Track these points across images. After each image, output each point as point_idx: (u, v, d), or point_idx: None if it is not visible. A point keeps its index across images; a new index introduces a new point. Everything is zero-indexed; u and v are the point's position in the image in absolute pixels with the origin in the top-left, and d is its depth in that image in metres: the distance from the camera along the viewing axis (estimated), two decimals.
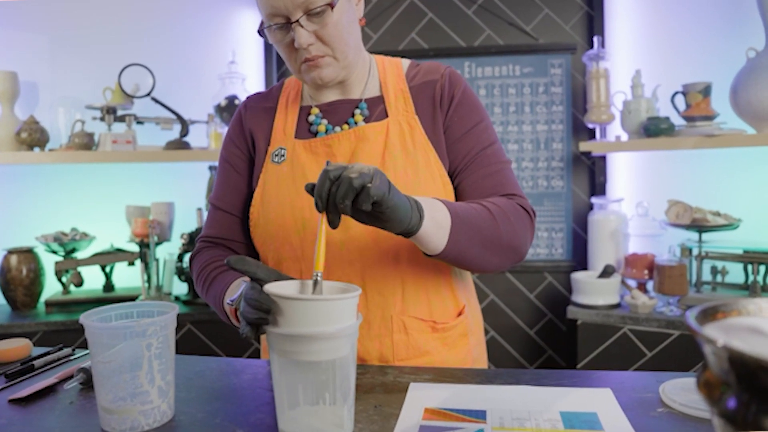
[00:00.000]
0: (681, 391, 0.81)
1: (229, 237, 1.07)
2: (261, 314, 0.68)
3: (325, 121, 1.02)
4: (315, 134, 1.02)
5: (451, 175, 1.01)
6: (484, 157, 0.99)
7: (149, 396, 0.76)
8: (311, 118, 1.03)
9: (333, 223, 0.73)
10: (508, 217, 0.92)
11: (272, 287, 0.71)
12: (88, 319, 0.76)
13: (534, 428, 0.72)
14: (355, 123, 1.01)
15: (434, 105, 1.01)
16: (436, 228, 0.83)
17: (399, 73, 1.05)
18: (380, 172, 0.73)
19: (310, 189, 0.74)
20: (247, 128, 1.07)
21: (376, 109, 1.02)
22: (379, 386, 0.88)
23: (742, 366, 0.39)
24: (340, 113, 1.03)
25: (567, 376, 0.91)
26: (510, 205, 0.94)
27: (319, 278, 0.73)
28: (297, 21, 0.90)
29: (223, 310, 0.95)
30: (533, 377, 0.91)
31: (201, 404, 0.84)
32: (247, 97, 1.12)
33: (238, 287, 0.92)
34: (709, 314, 0.48)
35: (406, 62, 1.08)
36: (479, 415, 0.76)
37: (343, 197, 0.70)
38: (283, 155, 1.01)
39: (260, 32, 0.96)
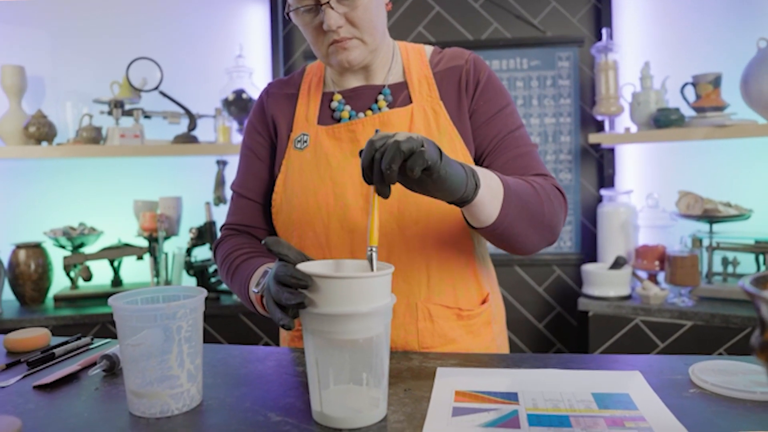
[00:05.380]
0: (712, 372, 0.80)
1: (252, 224, 1.06)
2: (299, 297, 0.67)
3: (348, 107, 1.02)
4: (338, 120, 1.02)
5: (479, 159, 1.00)
6: (513, 140, 0.99)
7: (179, 380, 0.75)
8: (334, 104, 1.03)
9: (383, 193, 0.68)
10: (549, 197, 0.92)
11: (304, 267, 0.70)
12: (116, 302, 0.75)
13: (568, 409, 0.72)
14: (379, 109, 1.00)
15: (459, 90, 1.00)
16: (491, 197, 0.80)
17: (422, 59, 1.04)
18: (430, 140, 0.69)
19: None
20: (269, 114, 1.07)
21: (400, 94, 1.02)
22: (406, 371, 0.87)
23: None
24: (364, 99, 1.02)
25: (593, 360, 0.91)
26: (548, 185, 0.94)
27: (374, 253, 0.70)
28: (327, 3, 0.89)
29: (248, 297, 0.95)
30: (560, 361, 0.90)
31: (228, 389, 0.83)
32: (269, 84, 1.11)
33: (261, 274, 0.91)
34: (761, 282, 0.48)
35: (429, 48, 1.07)
36: (511, 397, 0.76)
37: (390, 162, 0.65)
38: (305, 141, 1.01)
39: (287, 15, 0.95)
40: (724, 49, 2.16)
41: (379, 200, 0.71)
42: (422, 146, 0.66)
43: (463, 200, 0.77)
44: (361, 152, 0.69)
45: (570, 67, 2.41)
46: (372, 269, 0.69)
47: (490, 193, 0.80)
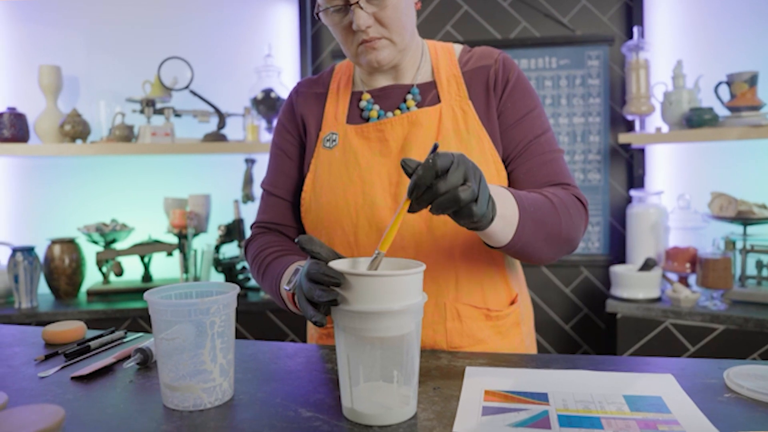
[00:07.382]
0: (748, 376, 0.79)
1: (282, 222, 1.07)
2: (332, 294, 0.67)
3: (377, 107, 1.02)
4: (367, 120, 1.02)
5: (504, 162, 1.00)
6: (538, 145, 0.98)
7: (211, 374, 0.76)
8: (363, 103, 1.03)
9: (414, 210, 0.69)
10: (569, 211, 0.91)
11: (336, 264, 0.71)
12: (152, 296, 0.77)
13: (599, 410, 0.71)
14: (407, 108, 1.01)
15: (488, 90, 1.00)
16: (503, 224, 0.80)
17: (451, 59, 1.04)
18: (483, 182, 0.70)
19: (411, 167, 0.66)
20: (298, 113, 1.08)
21: (429, 94, 1.02)
22: (435, 370, 0.88)
23: None
24: (392, 98, 1.03)
25: (624, 362, 0.90)
26: (568, 197, 0.93)
27: (379, 256, 0.71)
28: (357, 3, 0.90)
29: (279, 295, 0.96)
30: (590, 362, 0.89)
31: (259, 385, 0.84)
32: (298, 83, 1.12)
33: (293, 272, 0.92)
34: None
35: (458, 47, 1.07)
36: (541, 398, 0.75)
37: (443, 209, 0.67)
38: (334, 140, 1.01)
39: (316, 15, 0.96)
40: (760, 47, 2.10)
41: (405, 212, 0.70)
42: (476, 200, 0.67)
43: (475, 228, 0.77)
44: (405, 162, 0.67)
45: (600, 66, 2.38)
46: (369, 269, 0.70)
47: (504, 221, 0.80)
